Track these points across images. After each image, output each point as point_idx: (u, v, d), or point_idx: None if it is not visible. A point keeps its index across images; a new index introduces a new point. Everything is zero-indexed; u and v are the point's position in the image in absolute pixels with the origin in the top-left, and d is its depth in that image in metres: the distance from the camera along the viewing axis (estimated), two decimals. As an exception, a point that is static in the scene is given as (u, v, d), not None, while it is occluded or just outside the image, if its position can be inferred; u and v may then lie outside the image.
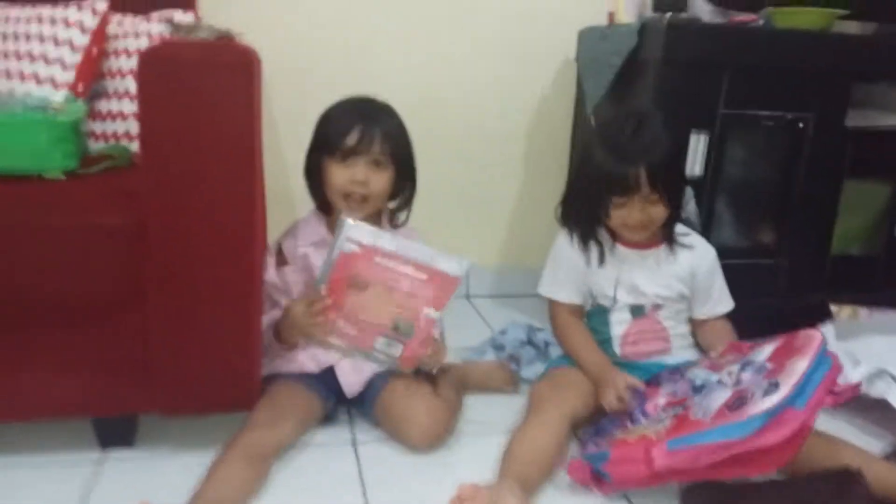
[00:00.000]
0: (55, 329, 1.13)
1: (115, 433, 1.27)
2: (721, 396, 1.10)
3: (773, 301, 1.75)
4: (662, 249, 1.40)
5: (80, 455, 1.24)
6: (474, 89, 2.04)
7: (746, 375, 1.11)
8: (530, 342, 1.71)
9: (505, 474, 1.15)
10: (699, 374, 1.20)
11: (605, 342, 1.41)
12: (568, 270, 1.42)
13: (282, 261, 1.34)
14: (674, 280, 1.39)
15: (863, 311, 1.67)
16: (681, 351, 1.41)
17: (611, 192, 1.30)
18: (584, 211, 1.38)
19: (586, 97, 1.82)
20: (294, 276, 1.34)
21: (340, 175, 1.28)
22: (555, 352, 1.63)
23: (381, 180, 1.30)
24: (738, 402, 1.07)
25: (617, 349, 1.40)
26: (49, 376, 1.15)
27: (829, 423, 1.45)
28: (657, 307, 1.40)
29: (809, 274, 1.78)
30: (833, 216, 1.76)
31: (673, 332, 1.41)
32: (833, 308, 1.67)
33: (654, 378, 1.31)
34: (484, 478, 1.17)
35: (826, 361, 1.09)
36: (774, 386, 1.05)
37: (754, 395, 1.05)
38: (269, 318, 1.32)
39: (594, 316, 1.44)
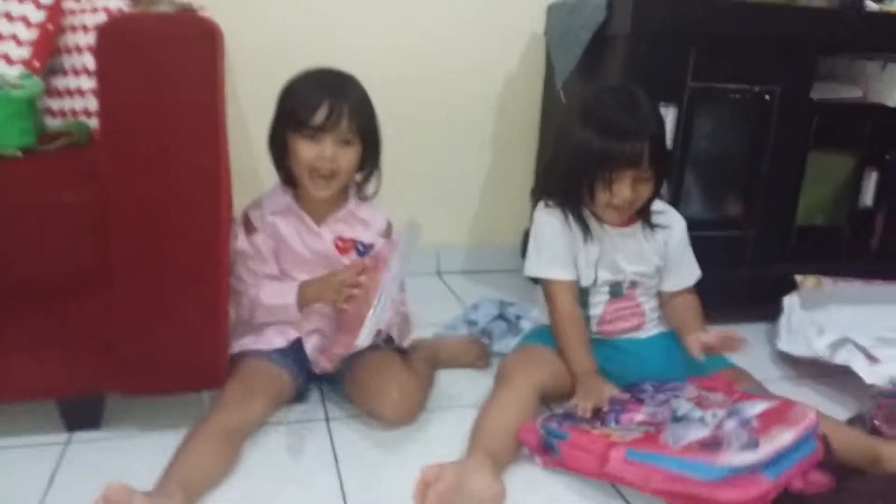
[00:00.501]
0: (17, 310, 1.11)
1: (82, 415, 1.25)
2: (697, 432, 1.08)
3: (740, 272, 1.77)
4: (639, 226, 1.39)
5: (47, 437, 1.22)
6: (442, 65, 2.02)
7: (730, 424, 1.07)
8: (502, 316, 1.72)
9: (473, 448, 1.15)
10: (683, 406, 1.17)
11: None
12: (557, 247, 1.37)
13: (250, 229, 1.33)
14: (651, 254, 1.39)
15: (827, 281, 1.70)
16: (652, 325, 1.42)
17: (605, 168, 1.26)
18: (568, 190, 1.34)
19: (555, 72, 1.81)
20: (265, 244, 1.33)
21: (307, 151, 1.26)
22: (526, 325, 1.64)
23: (348, 156, 1.28)
24: (712, 444, 1.04)
25: (594, 328, 1.40)
26: (12, 357, 1.13)
27: (795, 391, 1.49)
28: (634, 285, 1.40)
29: (776, 245, 1.80)
30: (798, 188, 1.78)
31: (647, 307, 1.42)
32: (798, 278, 1.70)
33: (636, 391, 1.29)
34: (457, 452, 1.17)
35: (811, 444, 1.05)
36: (754, 444, 1.02)
37: (730, 445, 1.02)
38: (249, 296, 1.31)
39: None
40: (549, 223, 1.37)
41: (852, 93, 1.82)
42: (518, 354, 1.40)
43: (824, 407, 1.41)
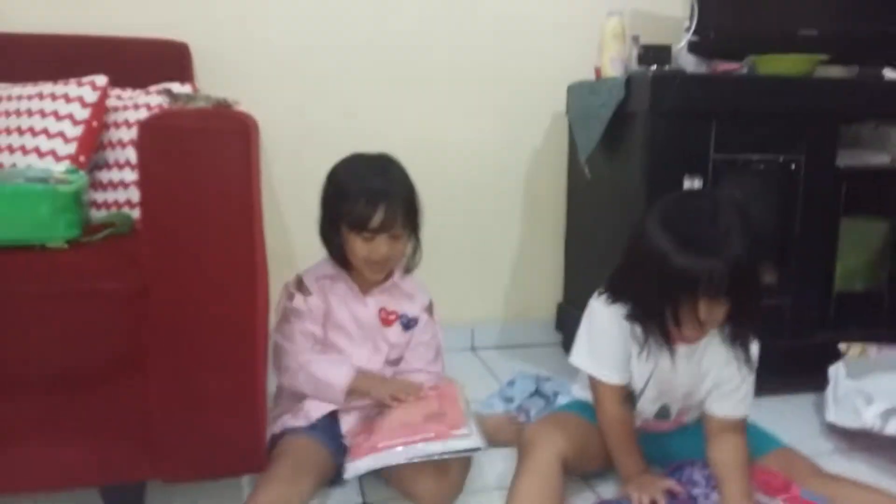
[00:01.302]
0: (55, 397, 1.12)
1: (124, 501, 1.25)
2: None
3: (780, 342, 1.73)
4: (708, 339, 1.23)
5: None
6: (470, 147, 2.07)
7: None
8: (539, 392, 1.69)
9: None
10: None
11: None
12: (613, 348, 1.26)
13: (304, 290, 1.37)
14: (710, 369, 1.26)
15: (872, 349, 1.65)
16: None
17: (684, 290, 1.10)
18: (644, 301, 1.19)
19: (579, 148, 1.84)
20: (317, 306, 1.36)
21: (362, 249, 1.31)
22: (563, 401, 1.61)
23: (399, 248, 1.34)
24: None
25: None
26: (49, 445, 1.13)
27: (847, 465, 1.43)
28: (684, 412, 1.33)
29: (814, 313, 1.77)
30: (833, 254, 1.76)
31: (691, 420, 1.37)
32: (842, 346, 1.66)
33: (686, 480, 1.25)
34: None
35: None
36: None
37: None
38: (298, 361, 1.33)
39: None
40: (609, 321, 1.25)
41: (879, 158, 1.81)
42: (539, 422, 1.35)
43: (879, 480, 1.35)
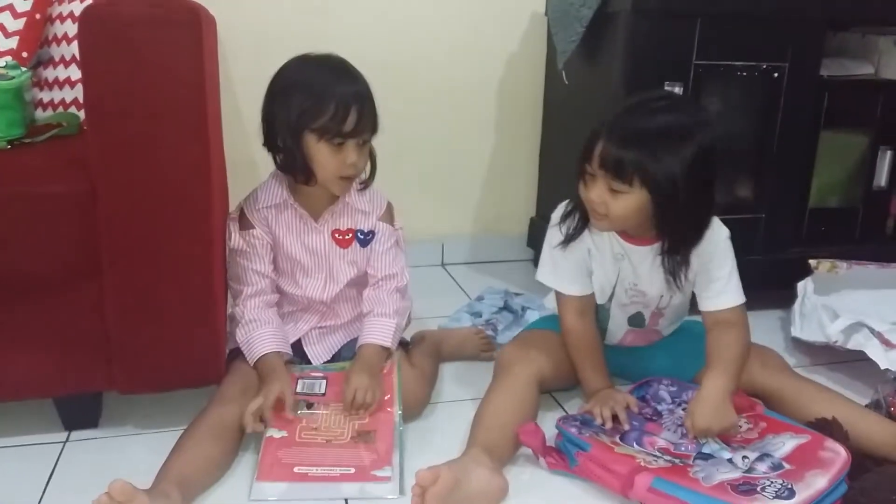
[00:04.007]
0: (6, 305, 1.08)
1: (79, 414, 1.24)
2: (728, 473, 1.04)
3: (752, 257, 1.72)
4: (657, 248, 1.22)
5: (44, 437, 1.21)
6: (442, 49, 1.98)
7: (761, 466, 1.05)
8: (507, 307, 1.69)
9: (471, 445, 1.11)
10: (708, 441, 1.13)
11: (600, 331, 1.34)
12: (569, 260, 1.26)
13: (245, 224, 1.29)
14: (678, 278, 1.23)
15: (842, 265, 1.66)
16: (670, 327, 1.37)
17: (584, 161, 1.16)
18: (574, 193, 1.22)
19: (557, 52, 1.77)
20: (261, 240, 1.28)
21: (333, 159, 1.21)
22: (532, 316, 1.61)
23: (366, 156, 1.26)
24: (745, 487, 1.01)
25: (611, 342, 1.36)
26: (3, 355, 1.11)
27: (809, 377, 1.44)
28: (658, 315, 1.32)
29: (789, 228, 1.75)
30: (810, 168, 1.74)
31: (667, 329, 1.37)
32: (812, 262, 1.66)
33: (652, 395, 1.26)
34: (463, 447, 1.13)
35: (842, 487, 1.03)
36: (789, 491, 0.99)
37: (764, 489, 0.99)
38: (239, 305, 1.28)
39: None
40: (556, 236, 1.27)
41: (864, 69, 1.77)
42: (517, 342, 1.35)
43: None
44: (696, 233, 1.19)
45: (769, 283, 1.73)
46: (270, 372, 1.20)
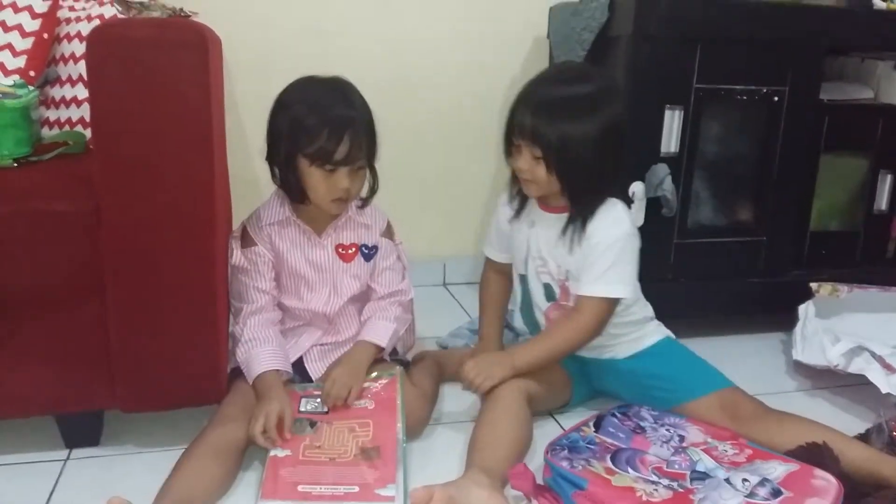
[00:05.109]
0: (9, 322, 1.09)
1: (81, 432, 1.23)
2: (731, 500, 1.03)
3: (753, 280, 1.73)
4: (566, 217, 1.28)
5: (46, 455, 1.21)
6: (445, 72, 2.00)
7: (761, 491, 1.04)
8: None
9: (469, 466, 1.11)
10: (701, 458, 1.13)
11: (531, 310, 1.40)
12: (496, 229, 1.42)
13: (248, 241, 1.29)
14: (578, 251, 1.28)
15: (843, 288, 1.65)
16: (626, 346, 1.35)
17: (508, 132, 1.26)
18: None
19: (559, 76, 1.78)
20: (263, 257, 1.29)
21: (324, 183, 1.22)
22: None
23: (361, 180, 1.27)
24: None
25: (541, 318, 1.37)
26: (5, 372, 1.10)
27: (811, 402, 1.45)
28: (566, 292, 1.32)
29: (789, 251, 1.75)
30: (811, 191, 1.74)
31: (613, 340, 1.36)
32: (813, 286, 1.66)
33: (634, 414, 1.26)
34: (462, 468, 1.13)
35: None
36: None
37: None
38: (242, 321, 1.28)
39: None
40: (501, 205, 1.40)
41: (863, 93, 1.78)
42: None
43: (840, 418, 1.37)
44: (590, 203, 1.26)
45: (770, 305, 1.73)
46: (268, 391, 1.20)
